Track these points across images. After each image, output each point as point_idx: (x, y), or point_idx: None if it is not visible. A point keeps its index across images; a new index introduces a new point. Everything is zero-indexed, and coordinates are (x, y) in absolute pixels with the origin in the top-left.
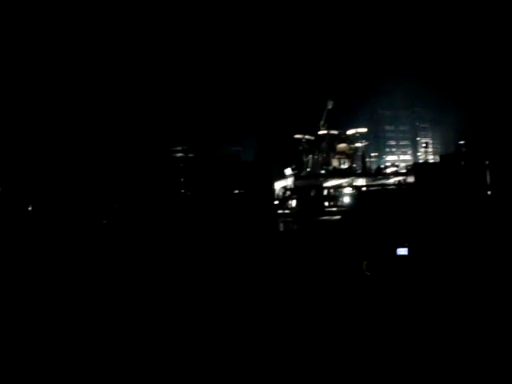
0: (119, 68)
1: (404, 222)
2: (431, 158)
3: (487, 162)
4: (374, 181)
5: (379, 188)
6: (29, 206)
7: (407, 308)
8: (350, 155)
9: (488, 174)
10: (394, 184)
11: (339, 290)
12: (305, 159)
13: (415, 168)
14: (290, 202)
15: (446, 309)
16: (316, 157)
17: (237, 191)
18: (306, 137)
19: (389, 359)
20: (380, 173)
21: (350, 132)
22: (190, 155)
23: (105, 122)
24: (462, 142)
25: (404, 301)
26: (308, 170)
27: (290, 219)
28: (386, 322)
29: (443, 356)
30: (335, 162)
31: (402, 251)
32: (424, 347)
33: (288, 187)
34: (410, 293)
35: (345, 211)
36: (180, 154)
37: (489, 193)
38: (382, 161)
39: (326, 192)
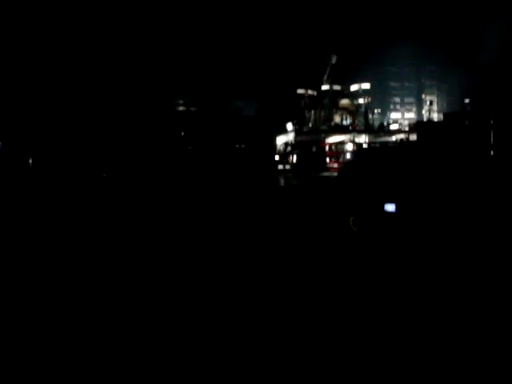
0: (121, 19)
1: (395, 178)
2: (435, 117)
3: (492, 122)
4: (376, 138)
5: (378, 145)
6: (29, 160)
7: (392, 263)
8: (353, 111)
9: (492, 133)
10: (396, 141)
11: (325, 244)
12: (307, 114)
13: (418, 126)
14: (290, 157)
15: (433, 265)
16: (318, 112)
17: (238, 146)
18: (309, 92)
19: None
20: (383, 130)
21: (353, 88)
22: (191, 109)
23: (107, 75)
24: (467, 101)
25: (390, 256)
26: (310, 125)
27: (290, 175)
28: (372, 276)
29: (431, 312)
30: (337, 118)
31: (390, 207)
32: (411, 302)
33: (289, 142)
34: (396, 248)
35: (342, 167)
36: (182, 108)
37: (492, 153)
38: (386, 118)
39: (327, 148)
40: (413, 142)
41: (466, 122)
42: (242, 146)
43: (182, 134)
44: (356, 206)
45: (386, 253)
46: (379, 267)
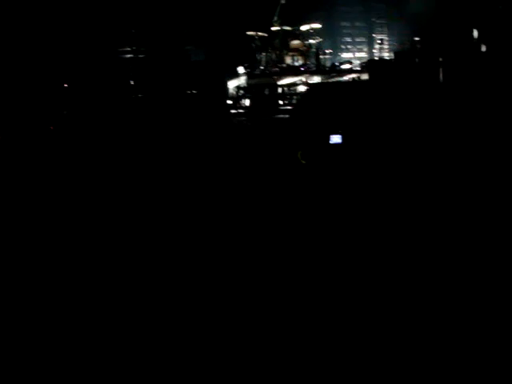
0: None
1: (342, 112)
2: (386, 55)
3: (441, 59)
4: (328, 78)
5: (328, 82)
6: None
7: (340, 194)
8: (304, 52)
9: (441, 71)
10: (348, 81)
11: (276, 178)
12: (258, 57)
13: (369, 64)
14: (243, 100)
15: (379, 195)
16: (269, 54)
17: (189, 91)
18: (259, 34)
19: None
20: (334, 70)
21: (303, 28)
22: (139, 56)
23: (50, 22)
24: (417, 39)
25: (337, 187)
26: (261, 67)
27: (243, 118)
28: (320, 207)
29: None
30: (289, 60)
31: (336, 139)
32: (358, 236)
33: (241, 86)
34: (344, 179)
35: (294, 107)
36: (129, 56)
37: (440, 89)
38: (337, 58)
39: (279, 90)
40: (364, 80)
41: (416, 60)
42: (194, 91)
43: (131, 82)
44: (304, 140)
45: (332, 182)
46: (325, 196)
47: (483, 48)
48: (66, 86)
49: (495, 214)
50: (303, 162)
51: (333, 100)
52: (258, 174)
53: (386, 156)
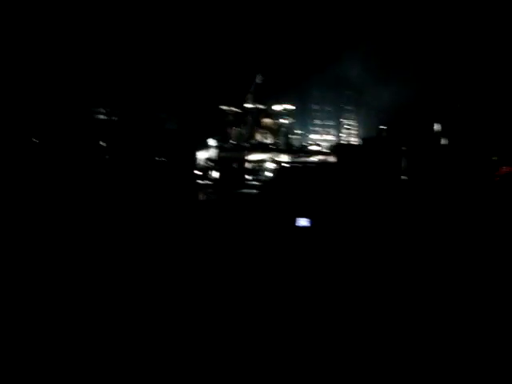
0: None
1: (311, 195)
2: (353, 140)
3: (404, 148)
4: (297, 158)
5: (298, 164)
6: None
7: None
8: (275, 130)
9: (404, 159)
10: (316, 162)
11: (241, 257)
12: (229, 131)
13: (337, 148)
14: (212, 173)
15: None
16: (241, 130)
17: (158, 158)
18: (232, 109)
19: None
20: (303, 150)
21: (276, 108)
22: (113, 118)
23: (23, 77)
24: (383, 127)
25: (306, 269)
26: (232, 142)
27: (210, 190)
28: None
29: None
30: (259, 136)
31: (303, 222)
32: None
33: (211, 158)
34: (311, 263)
35: (262, 185)
36: (102, 117)
37: (403, 177)
38: (306, 139)
39: (248, 165)
40: (332, 163)
41: (382, 147)
42: (163, 158)
43: (102, 143)
44: (271, 221)
45: (300, 265)
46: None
47: (443, 141)
48: (34, 140)
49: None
50: (270, 242)
51: (301, 183)
52: (223, 253)
53: (353, 239)
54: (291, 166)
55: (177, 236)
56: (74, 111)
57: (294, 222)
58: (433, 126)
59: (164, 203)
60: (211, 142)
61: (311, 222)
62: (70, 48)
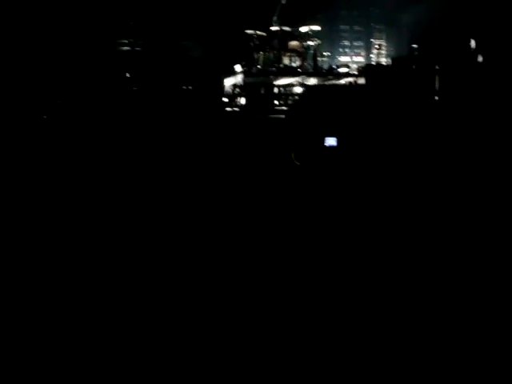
0: None
1: (338, 115)
2: (384, 61)
3: (437, 67)
4: (325, 81)
5: (324, 85)
6: None
7: (334, 196)
8: (302, 53)
9: (437, 79)
10: (344, 84)
11: (270, 179)
12: (255, 56)
13: (366, 69)
14: (239, 99)
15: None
16: (267, 54)
17: (185, 87)
18: (258, 33)
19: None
20: (332, 73)
21: (302, 29)
22: (136, 49)
23: (46, 11)
24: (414, 46)
25: (332, 188)
26: (258, 67)
27: (238, 117)
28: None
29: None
30: (286, 60)
31: (331, 141)
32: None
33: (238, 84)
34: (338, 182)
35: (290, 108)
36: (126, 48)
37: (436, 98)
38: (335, 61)
39: (276, 90)
40: (361, 84)
41: (413, 67)
42: (190, 87)
43: (127, 74)
44: (299, 142)
45: (327, 184)
46: (320, 198)
47: (480, 58)
48: (61, 75)
49: (494, 217)
50: (297, 163)
51: (329, 103)
52: (251, 174)
53: (381, 160)
54: (318, 87)
55: (206, 163)
56: (97, 43)
57: (323, 141)
58: (469, 42)
59: (193, 131)
60: (237, 67)
61: (338, 142)
62: None
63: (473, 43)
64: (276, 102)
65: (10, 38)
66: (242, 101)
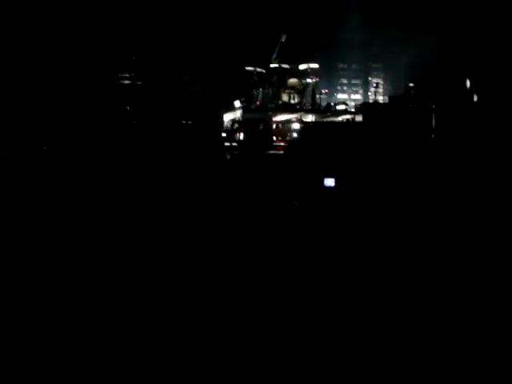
0: None
1: (336, 155)
2: (381, 99)
3: (434, 106)
4: (323, 117)
5: (323, 122)
6: None
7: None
8: (301, 90)
9: (434, 117)
10: (342, 122)
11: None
12: (255, 92)
13: (364, 107)
14: (237, 134)
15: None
16: (266, 90)
17: (184, 122)
18: (258, 69)
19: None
20: (329, 110)
21: (301, 67)
22: (137, 83)
23: (48, 44)
24: (411, 85)
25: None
26: (257, 103)
27: (236, 152)
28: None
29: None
30: (285, 97)
31: (329, 182)
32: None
33: (236, 120)
34: (336, 220)
35: (288, 145)
36: (127, 82)
37: (432, 136)
38: (333, 98)
39: (274, 126)
40: (358, 122)
41: (410, 106)
42: (189, 122)
43: (127, 108)
44: (297, 182)
45: (325, 222)
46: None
47: (475, 98)
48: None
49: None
50: (296, 203)
51: (327, 141)
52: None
53: (379, 200)
54: (316, 124)
55: (205, 196)
56: (98, 77)
57: (321, 181)
58: (465, 81)
59: (192, 165)
60: (236, 103)
61: (336, 182)
62: (92, 13)
63: (468, 83)
64: (274, 138)
65: (13, 68)
66: (241, 136)
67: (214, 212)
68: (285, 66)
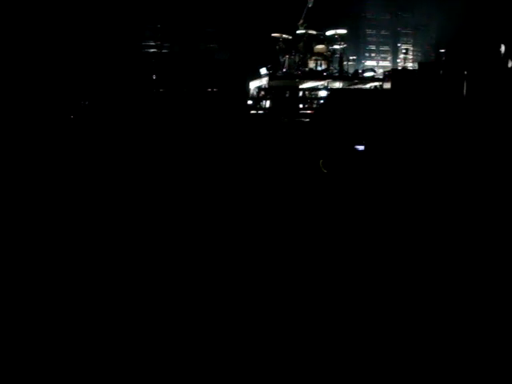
0: None
1: (365, 120)
2: (410, 65)
3: (465, 73)
4: (351, 85)
5: (350, 89)
6: None
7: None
8: (328, 57)
9: (465, 84)
10: (370, 89)
11: (297, 187)
12: (281, 59)
13: (393, 74)
14: (264, 102)
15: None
16: (293, 57)
17: (210, 89)
18: (284, 36)
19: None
20: (357, 77)
21: (329, 33)
22: (163, 51)
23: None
24: (442, 51)
25: (359, 196)
26: (284, 70)
27: (262, 119)
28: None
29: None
30: (312, 64)
31: (360, 148)
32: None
33: (263, 87)
34: (366, 188)
35: (315, 112)
36: (153, 50)
37: (464, 104)
38: (361, 65)
39: (301, 93)
40: (386, 89)
41: (440, 72)
42: (215, 89)
43: (154, 76)
44: (326, 149)
45: (354, 191)
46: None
47: (510, 64)
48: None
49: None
50: (324, 170)
51: (355, 108)
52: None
53: (409, 165)
54: (343, 89)
55: (231, 166)
56: (124, 46)
57: (351, 148)
58: (499, 47)
59: (217, 133)
60: (262, 70)
61: (365, 148)
62: None
63: (503, 48)
64: (301, 106)
65: (38, 40)
66: (267, 104)
67: (238, 180)
68: (312, 31)
